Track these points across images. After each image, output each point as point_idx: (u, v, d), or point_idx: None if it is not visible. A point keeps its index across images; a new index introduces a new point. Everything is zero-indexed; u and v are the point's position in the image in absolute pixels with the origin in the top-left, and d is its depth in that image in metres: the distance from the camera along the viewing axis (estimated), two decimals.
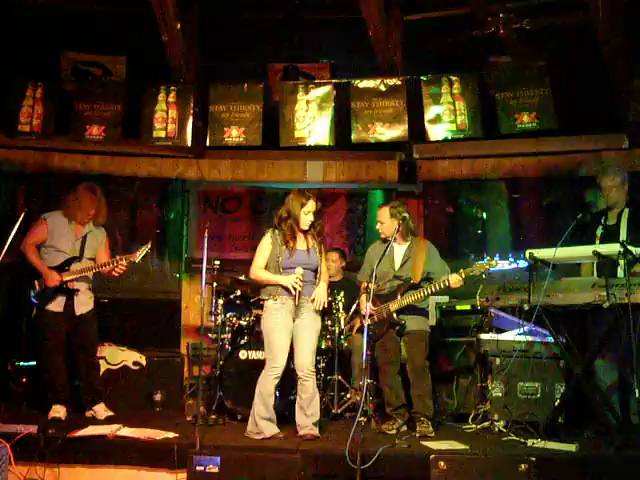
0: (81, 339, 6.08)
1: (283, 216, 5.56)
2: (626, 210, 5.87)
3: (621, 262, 5.25)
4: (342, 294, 6.64)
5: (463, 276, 5.48)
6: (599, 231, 5.90)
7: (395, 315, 5.72)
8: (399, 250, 5.92)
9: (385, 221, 5.86)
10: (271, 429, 5.40)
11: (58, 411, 5.81)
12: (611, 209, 5.94)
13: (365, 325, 5.13)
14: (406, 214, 5.78)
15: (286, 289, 5.41)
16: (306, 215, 5.51)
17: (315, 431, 5.39)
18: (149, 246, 6.00)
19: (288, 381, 5.69)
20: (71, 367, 6.10)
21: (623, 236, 5.63)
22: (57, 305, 5.98)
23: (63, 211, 6.12)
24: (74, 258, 6.04)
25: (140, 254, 5.95)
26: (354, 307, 6.64)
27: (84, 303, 6.10)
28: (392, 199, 7.41)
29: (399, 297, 5.72)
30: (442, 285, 5.55)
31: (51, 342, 5.95)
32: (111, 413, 5.96)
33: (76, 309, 6.03)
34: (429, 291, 5.62)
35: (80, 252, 6.08)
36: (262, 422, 5.38)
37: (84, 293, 6.11)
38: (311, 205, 5.51)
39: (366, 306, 5.43)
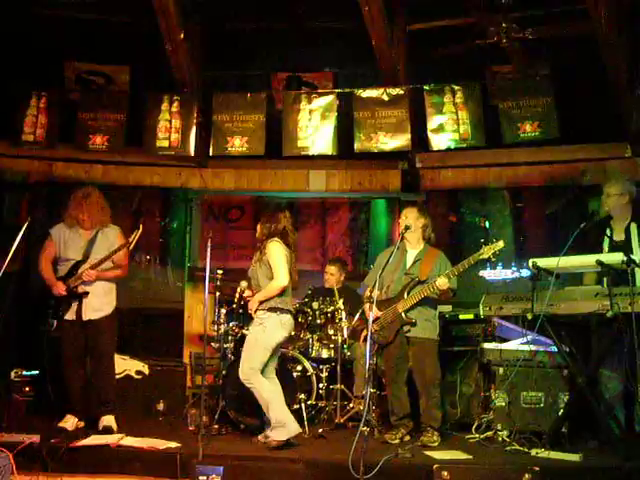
0: (92, 346, 5.93)
1: None
2: (634, 225, 5.82)
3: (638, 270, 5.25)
4: (341, 301, 6.60)
5: (451, 276, 5.53)
6: (606, 245, 5.83)
7: (404, 315, 5.67)
8: (412, 252, 5.92)
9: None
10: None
11: (67, 421, 5.76)
12: (614, 219, 5.89)
13: (369, 334, 5.09)
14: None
15: None
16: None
17: (262, 437, 5.37)
18: (140, 231, 5.93)
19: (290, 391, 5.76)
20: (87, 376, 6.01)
21: (636, 254, 5.50)
22: (71, 313, 5.89)
23: (64, 221, 6.06)
24: (79, 262, 5.93)
25: (133, 239, 5.89)
26: (357, 315, 6.60)
27: (95, 309, 5.91)
28: (395, 208, 7.39)
29: (405, 296, 5.70)
30: (432, 288, 5.55)
31: (67, 352, 5.86)
32: (114, 426, 5.77)
33: (83, 314, 5.88)
34: (429, 290, 5.59)
35: (85, 254, 5.95)
36: None
37: (97, 297, 5.93)
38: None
39: (370, 314, 5.37)
